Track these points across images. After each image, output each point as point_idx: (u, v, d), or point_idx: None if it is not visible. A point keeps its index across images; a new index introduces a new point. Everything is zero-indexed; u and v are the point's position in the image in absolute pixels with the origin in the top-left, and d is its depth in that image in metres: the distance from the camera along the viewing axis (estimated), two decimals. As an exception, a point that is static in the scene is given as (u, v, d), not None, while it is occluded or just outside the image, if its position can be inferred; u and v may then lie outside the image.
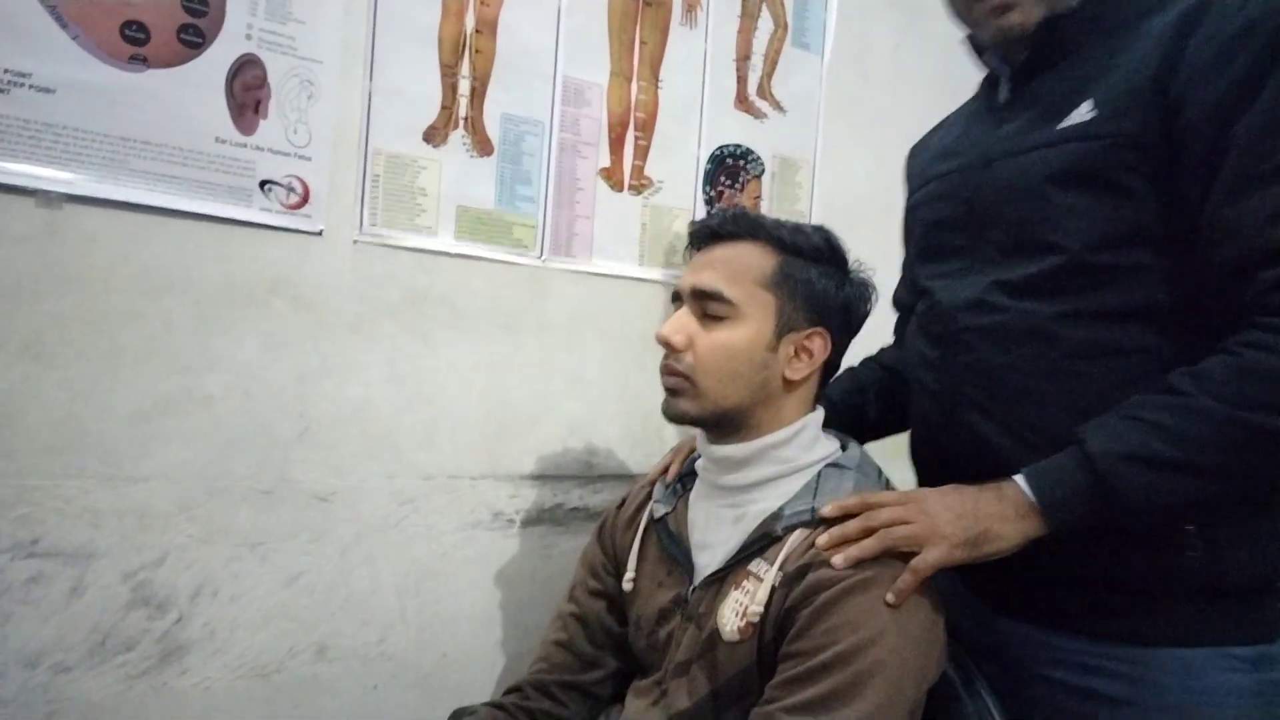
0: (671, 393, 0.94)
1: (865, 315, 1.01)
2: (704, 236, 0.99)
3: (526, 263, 1.30)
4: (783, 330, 0.93)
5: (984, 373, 0.90)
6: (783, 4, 1.56)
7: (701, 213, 1.49)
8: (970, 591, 0.97)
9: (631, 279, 1.40)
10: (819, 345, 0.95)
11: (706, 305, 0.93)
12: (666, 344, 0.94)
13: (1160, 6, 0.86)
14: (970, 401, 0.91)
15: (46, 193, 0.97)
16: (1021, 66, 0.95)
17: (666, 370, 0.95)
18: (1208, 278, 0.80)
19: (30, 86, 0.95)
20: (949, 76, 1.76)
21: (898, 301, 1.20)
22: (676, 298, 0.98)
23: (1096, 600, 0.86)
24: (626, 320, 1.39)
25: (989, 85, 1.04)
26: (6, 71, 0.94)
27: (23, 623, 0.99)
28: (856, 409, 1.15)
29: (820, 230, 0.99)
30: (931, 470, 0.99)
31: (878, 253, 1.64)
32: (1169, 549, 0.82)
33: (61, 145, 0.97)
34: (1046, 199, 0.86)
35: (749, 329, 0.92)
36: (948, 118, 1.16)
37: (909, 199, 1.13)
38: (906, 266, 1.17)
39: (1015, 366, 0.88)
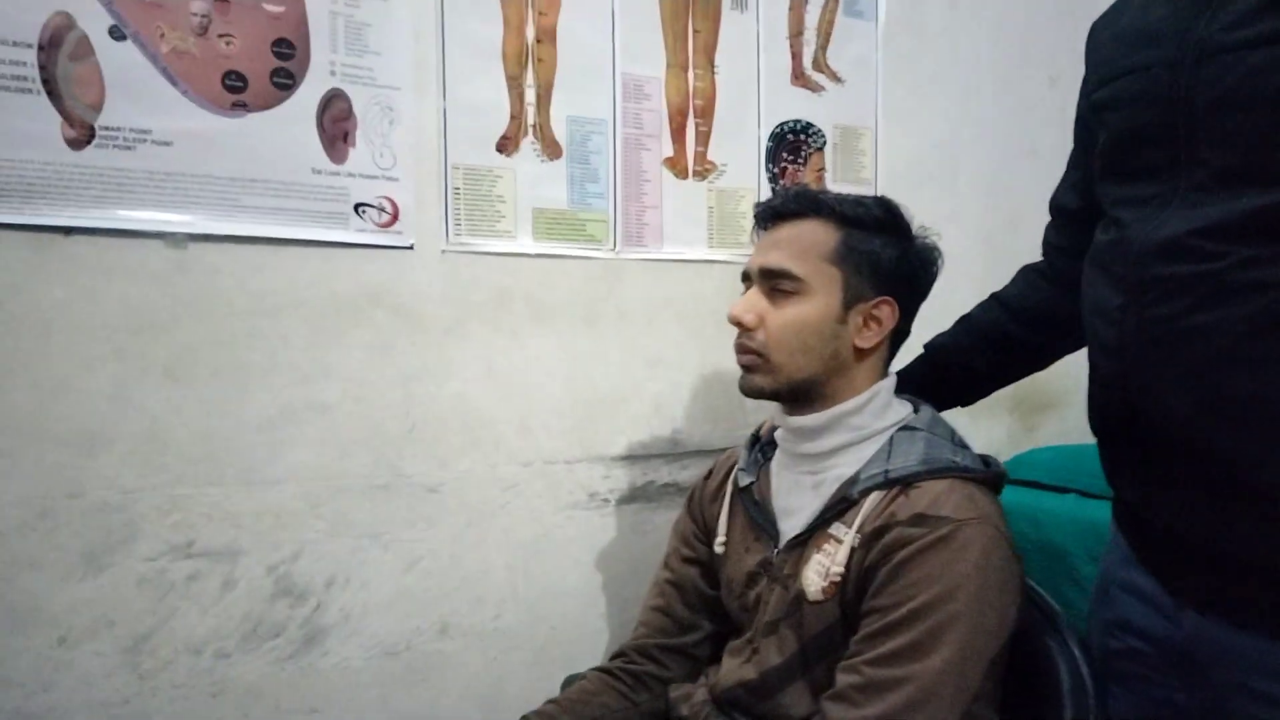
0: (747, 369, 1.00)
1: (933, 279, 1.05)
2: (768, 217, 1.03)
3: (601, 256, 1.38)
4: (850, 302, 0.97)
5: (1177, 333, 0.74)
6: (832, -24, 1.58)
7: (766, 192, 1.53)
8: (1151, 576, 0.86)
9: (703, 261, 1.46)
10: (887, 313, 0.99)
11: (775, 283, 0.98)
12: (738, 323, 0.99)
13: None
14: (1155, 365, 0.77)
15: (173, 235, 1.08)
16: None
17: (740, 349, 1.00)
18: None
19: (151, 141, 1.07)
20: (1011, 17, 1.76)
21: (1055, 206, 1.07)
22: (746, 278, 1.03)
23: None
24: (701, 301, 1.45)
25: None
26: (132, 130, 1.06)
27: (186, 616, 1.12)
28: (957, 363, 1.13)
29: (881, 201, 1.02)
30: (1106, 436, 0.88)
31: (943, 213, 1.67)
32: None
33: (182, 191, 1.08)
34: None
35: (817, 303, 0.97)
36: None
37: (1091, 86, 0.92)
38: (1073, 164, 1.03)
39: (1220, 328, 0.72)
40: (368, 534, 1.22)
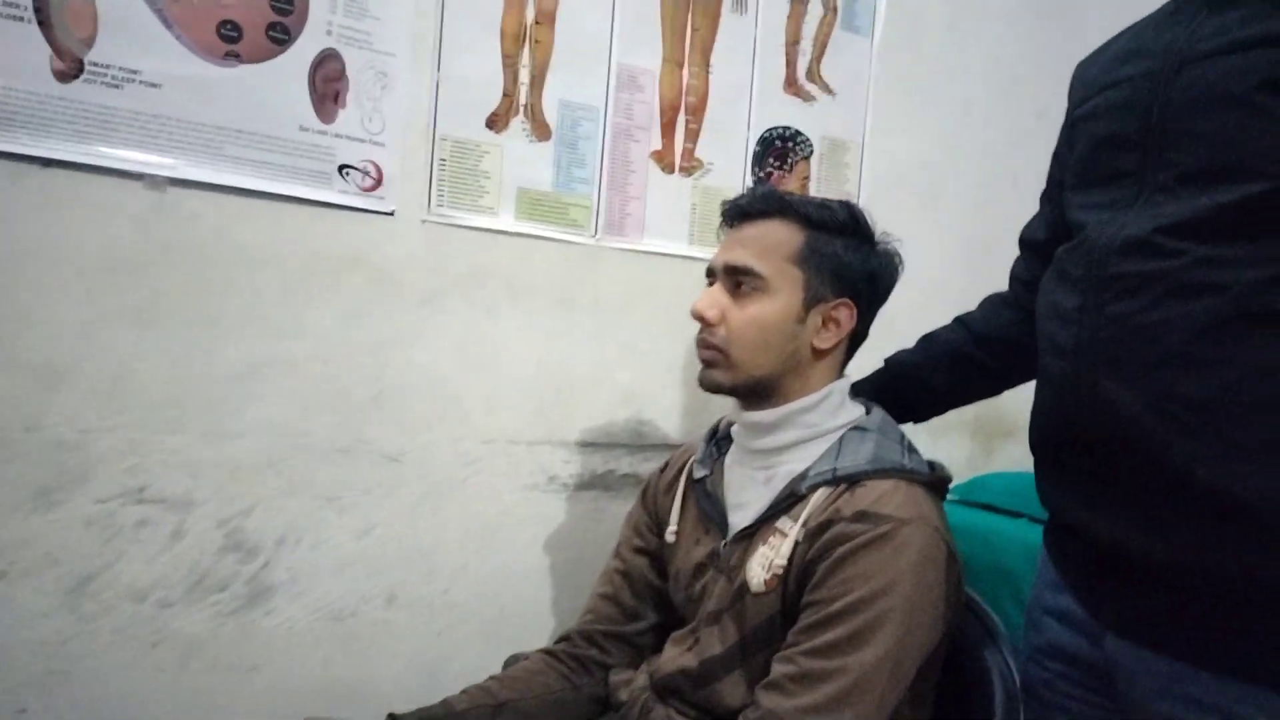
0: (707, 364, 1.02)
1: (891, 285, 1.07)
2: (735, 215, 1.05)
3: (582, 241, 1.38)
4: (811, 302, 0.99)
5: (1133, 329, 0.75)
6: (833, -11, 1.60)
7: (750, 193, 1.54)
8: (1076, 599, 0.87)
9: (682, 257, 1.47)
10: (846, 315, 1.01)
11: (738, 280, 1.00)
12: (701, 318, 1.01)
13: None
14: (1110, 363, 0.77)
15: (153, 176, 1.08)
16: None
17: (702, 343, 1.01)
18: None
19: (140, 82, 1.06)
20: (1005, 49, 1.79)
21: (1023, 239, 1.10)
22: (710, 273, 1.05)
23: (1256, 631, 0.71)
24: (677, 296, 1.46)
25: None
26: (122, 69, 1.05)
27: (132, 562, 1.11)
28: (915, 378, 1.14)
29: (846, 205, 1.04)
30: (1050, 447, 0.87)
31: (923, 232, 1.70)
32: None
33: (166, 134, 1.08)
34: (1256, 109, 0.71)
35: (779, 302, 0.99)
36: (1137, 22, 0.94)
37: (1071, 114, 0.96)
38: (1046, 196, 1.05)
39: (1174, 325, 0.73)
40: (324, 496, 1.21)
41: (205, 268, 1.12)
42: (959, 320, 1.17)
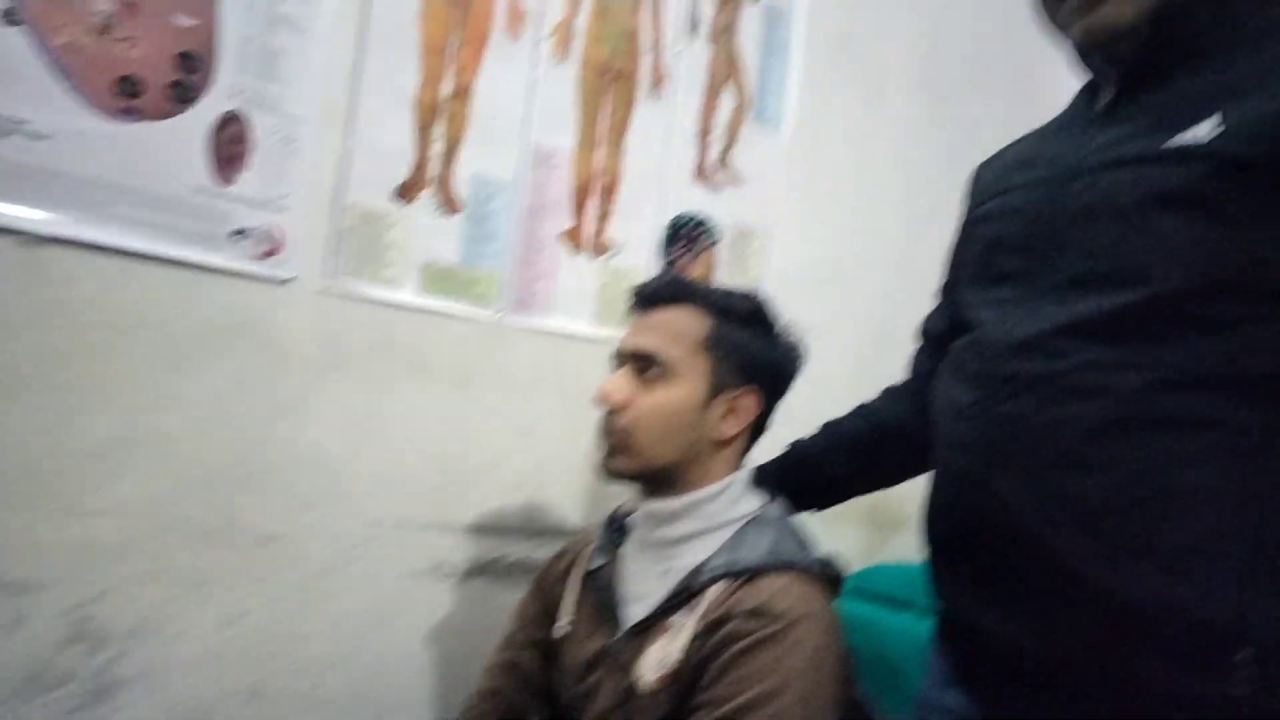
0: (610, 450, 1.00)
1: (794, 375, 1.08)
2: (643, 300, 1.05)
3: (486, 318, 1.35)
4: (715, 390, 0.99)
5: (1025, 429, 0.77)
6: (745, 84, 1.64)
7: (658, 276, 1.55)
8: (965, 695, 0.88)
9: (587, 338, 1.46)
10: (749, 405, 1.02)
11: (644, 366, 0.99)
12: (606, 402, 1.00)
13: None
14: (1003, 462, 0.78)
15: (27, 233, 1.00)
16: (1129, 70, 0.81)
17: (605, 429, 1.00)
18: None
19: (25, 133, 0.99)
20: (906, 148, 1.87)
21: (923, 330, 1.12)
22: (617, 357, 1.04)
23: None
24: (581, 378, 1.44)
25: (1088, 91, 0.89)
26: (7, 117, 0.98)
27: (-38, 651, 1.00)
28: (816, 465, 1.14)
29: (752, 295, 1.06)
30: (943, 541, 0.87)
31: (828, 322, 1.73)
32: (1210, 678, 0.68)
33: (48, 188, 1.00)
34: (1142, 223, 0.73)
35: (683, 389, 0.98)
36: (1031, 132, 0.99)
37: (968, 214, 1.00)
38: (945, 289, 1.07)
39: (1065, 425, 0.74)
40: (189, 581, 1.12)
41: (78, 332, 1.04)
42: (860, 409, 1.18)
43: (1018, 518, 0.76)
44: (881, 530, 1.84)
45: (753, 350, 1.02)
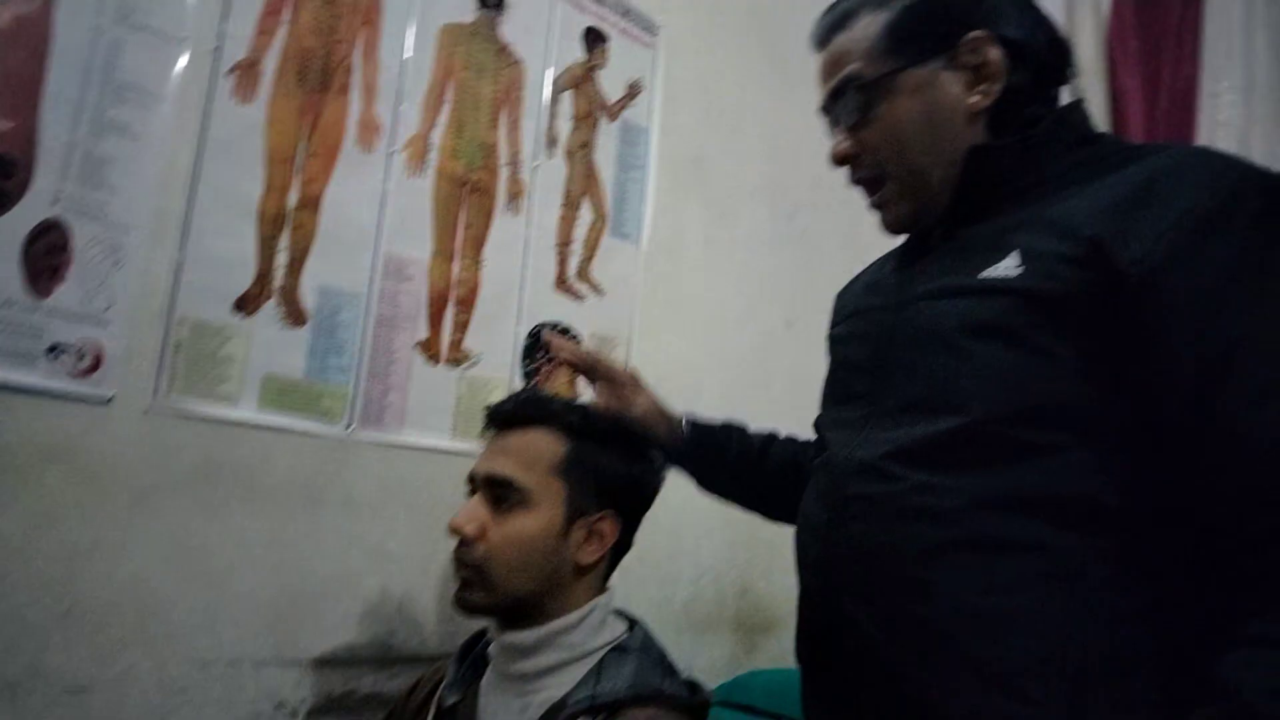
0: (463, 584, 0.95)
1: (655, 492, 1.07)
2: (498, 421, 1.02)
3: (333, 434, 1.29)
4: (573, 516, 0.97)
5: (868, 551, 0.79)
6: (602, 198, 1.68)
7: (519, 386, 1.53)
8: None
9: (443, 451, 1.41)
10: (609, 528, 0.99)
11: (498, 493, 0.96)
12: (458, 534, 0.95)
13: (1112, 164, 0.78)
14: (851, 583, 0.80)
15: None
16: (948, 210, 0.87)
17: (458, 561, 0.95)
18: (1204, 491, 0.69)
19: None
20: (756, 262, 1.94)
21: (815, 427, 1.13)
22: (471, 481, 1.00)
23: None
24: (436, 493, 1.38)
25: None
26: None
27: None
28: (716, 445, 1.13)
29: (610, 413, 1.05)
30: (807, 659, 0.87)
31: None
32: None
33: None
34: (958, 351, 0.78)
35: (540, 517, 0.95)
36: (889, 251, 1.04)
37: (829, 333, 1.04)
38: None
39: (900, 547, 0.76)
40: (-23, 743, 0.99)
41: None
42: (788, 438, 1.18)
43: (867, 640, 0.77)
44: (750, 636, 1.83)
45: (611, 472, 1.00)
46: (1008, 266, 0.77)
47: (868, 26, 0.86)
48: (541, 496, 0.96)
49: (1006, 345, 0.75)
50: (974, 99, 0.83)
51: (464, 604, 0.95)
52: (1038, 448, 0.73)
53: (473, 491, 1.00)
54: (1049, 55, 0.86)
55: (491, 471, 0.97)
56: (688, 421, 1.15)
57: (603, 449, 1.00)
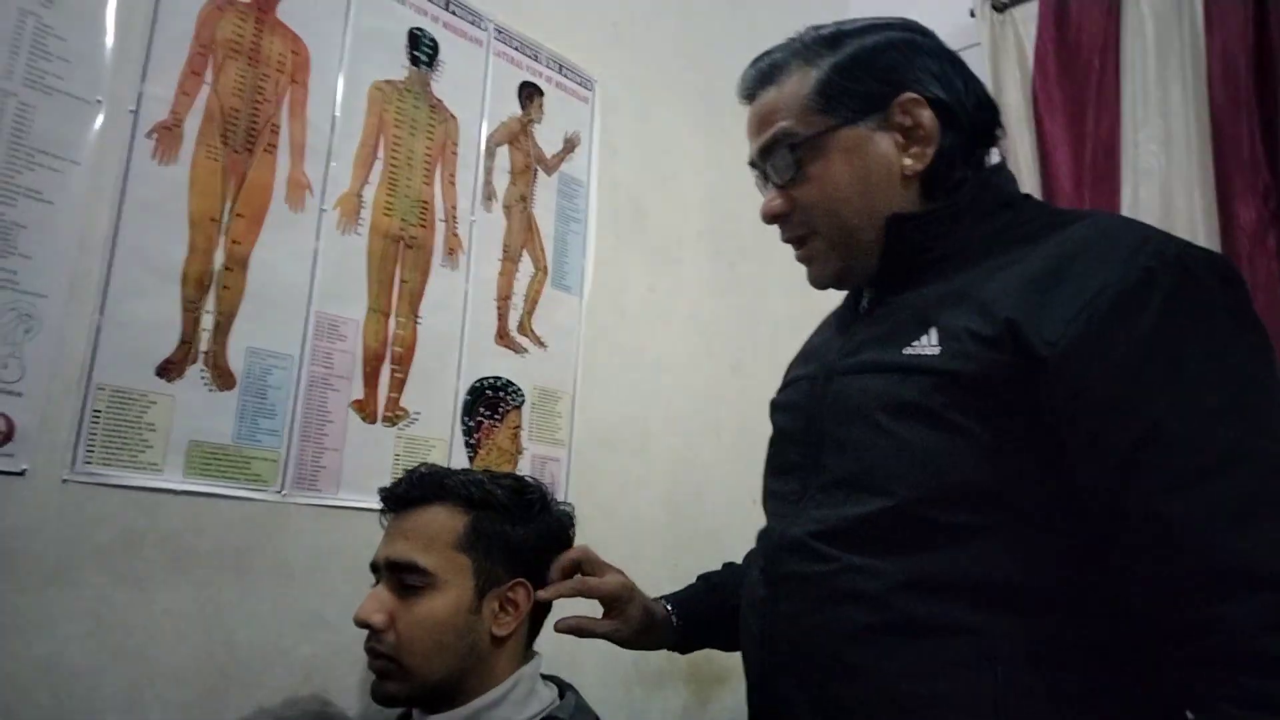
0: (379, 676, 0.92)
1: (566, 545, 1.04)
2: (393, 503, 1.00)
3: (265, 498, 1.25)
4: (484, 589, 0.94)
5: (799, 631, 0.79)
6: (542, 250, 1.67)
7: (459, 442, 1.51)
8: None
9: (381, 511, 1.37)
10: (523, 595, 0.97)
11: (403, 577, 0.93)
12: (365, 625, 0.92)
13: (1030, 234, 0.77)
14: (785, 663, 0.80)
15: None
16: (875, 278, 0.87)
17: (370, 653, 0.93)
18: (1126, 577, 0.68)
19: None
20: (700, 309, 1.95)
21: None
22: (375, 569, 0.97)
23: None
24: (372, 555, 1.35)
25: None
26: None
27: None
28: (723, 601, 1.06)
29: (508, 477, 1.03)
30: None
31: (634, 480, 1.73)
32: None
33: None
34: (879, 430, 0.77)
35: (449, 596, 0.93)
36: (832, 312, 1.03)
37: (772, 400, 1.02)
38: None
39: (829, 628, 0.76)
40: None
41: None
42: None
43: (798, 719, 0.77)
44: (703, 688, 1.79)
45: (516, 538, 0.98)
46: (927, 344, 0.76)
47: (799, 83, 0.85)
48: (447, 575, 0.93)
49: (927, 426, 0.74)
50: (908, 162, 0.83)
51: (382, 697, 0.92)
52: (962, 530, 0.72)
53: (377, 579, 0.97)
54: (978, 116, 0.86)
55: (391, 556, 0.95)
56: (671, 608, 1.09)
57: (505, 515, 0.98)
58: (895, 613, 0.72)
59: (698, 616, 1.07)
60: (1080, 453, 0.69)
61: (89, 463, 1.10)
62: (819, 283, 0.90)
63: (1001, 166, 0.88)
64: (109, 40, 1.14)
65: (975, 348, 0.73)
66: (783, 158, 0.85)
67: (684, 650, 1.11)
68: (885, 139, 0.83)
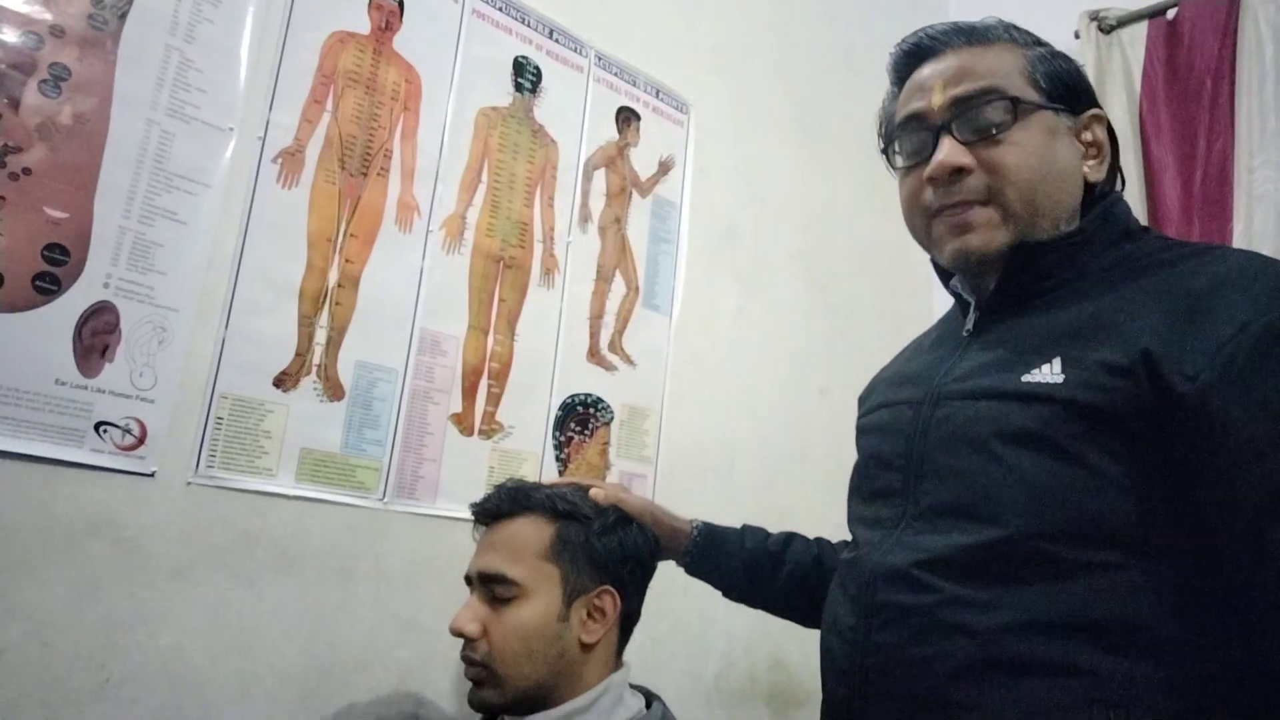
0: (475, 684, 0.96)
1: (650, 562, 1.07)
2: (483, 517, 1.04)
3: (367, 505, 1.31)
4: (571, 597, 0.97)
5: (896, 663, 0.76)
6: (635, 270, 1.71)
7: (550, 457, 1.54)
8: None
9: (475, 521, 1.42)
10: (610, 603, 0.99)
11: (494, 589, 0.97)
12: (460, 635, 0.96)
13: (1159, 263, 0.77)
14: (877, 695, 0.77)
15: None
16: (988, 300, 0.85)
17: (466, 661, 0.96)
18: (1255, 626, 0.65)
19: None
20: (789, 332, 1.95)
21: None
22: (469, 581, 1.01)
23: None
24: (468, 563, 1.39)
25: (960, 308, 0.92)
26: None
27: None
28: (732, 545, 1.11)
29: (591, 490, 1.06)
30: None
31: (719, 501, 1.74)
32: None
33: (-117, 385, 0.96)
34: (994, 458, 0.74)
35: (538, 605, 0.96)
36: (921, 335, 1.02)
37: (858, 422, 1.01)
38: None
39: (931, 662, 0.73)
40: (13, 815, 1.00)
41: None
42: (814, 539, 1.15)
43: None
44: (784, 709, 1.79)
45: (601, 547, 1.00)
46: (1049, 373, 0.74)
47: (1012, 54, 0.84)
48: (536, 584, 0.96)
49: (1046, 456, 0.72)
50: (1090, 165, 0.84)
51: (478, 704, 0.97)
52: (1081, 566, 0.70)
53: (472, 590, 1.01)
54: (1114, 149, 0.87)
55: (483, 568, 0.99)
56: (699, 524, 1.14)
57: (589, 526, 1.01)
58: (1003, 649, 0.70)
59: (715, 550, 1.10)
60: (1214, 494, 0.67)
61: (211, 466, 1.17)
62: (970, 254, 0.83)
63: (1120, 197, 0.86)
64: (242, 72, 1.23)
65: (1106, 378, 0.71)
66: (988, 112, 0.81)
67: (689, 570, 1.13)
68: (1073, 141, 0.84)
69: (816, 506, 1.80)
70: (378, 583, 1.31)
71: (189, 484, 1.16)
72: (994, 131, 0.81)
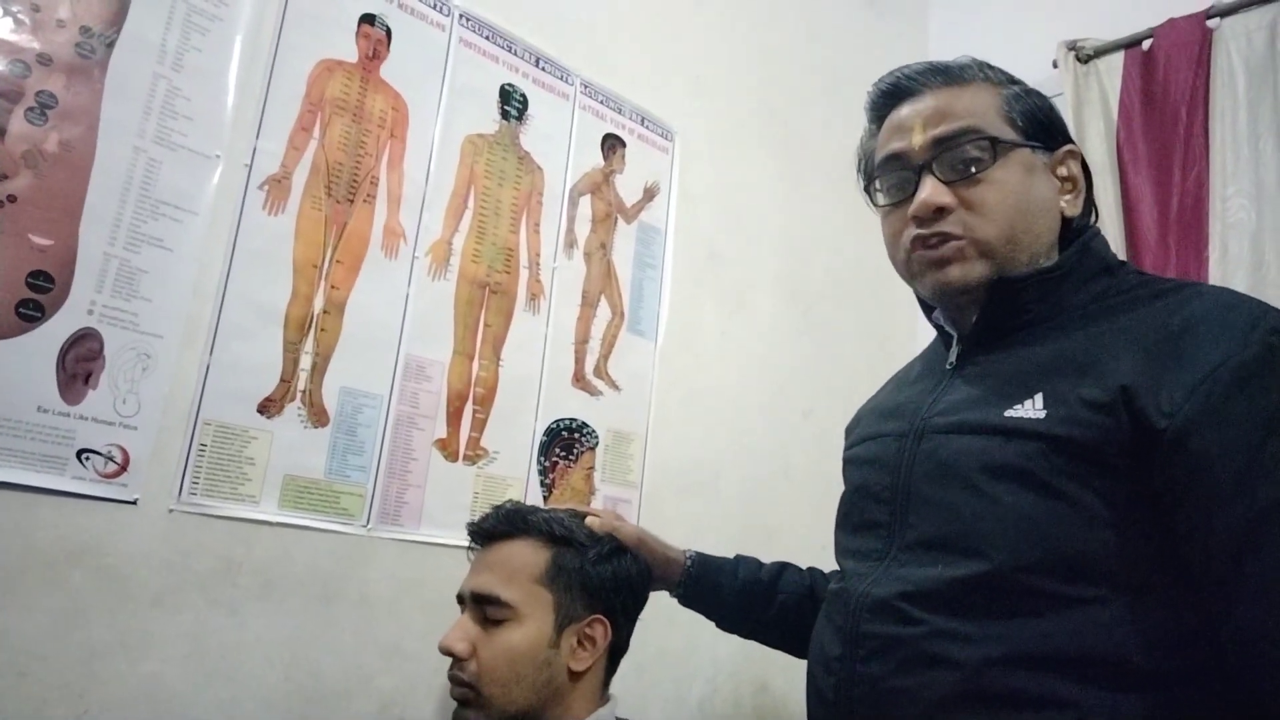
0: (460, 703, 0.96)
1: (642, 592, 1.07)
2: (479, 537, 1.04)
3: (351, 531, 1.31)
4: (563, 624, 0.97)
5: (880, 693, 0.77)
6: (620, 296, 1.72)
7: (535, 482, 1.55)
8: None
9: (460, 547, 1.41)
10: (600, 632, 0.99)
11: (486, 609, 0.97)
12: (449, 653, 0.96)
13: (1136, 299, 0.78)
14: None
15: None
16: (970, 334, 0.87)
17: (453, 680, 0.96)
18: (1237, 657, 0.67)
19: None
20: (773, 354, 1.96)
21: None
22: (460, 600, 1.01)
23: None
24: (452, 589, 1.37)
25: (943, 341, 0.94)
26: None
27: None
28: (724, 574, 1.11)
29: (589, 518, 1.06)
30: None
31: (704, 523, 1.74)
32: None
33: None
34: (978, 492, 0.76)
35: (529, 628, 0.96)
36: (906, 367, 1.04)
37: (844, 453, 1.02)
38: None
39: (914, 695, 0.74)
40: None
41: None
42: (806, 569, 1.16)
43: None
44: (769, 737, 1.79)
45: (596, 575, 1.01)
46: (1031, 408, 0.75)
47: (988, 93, 0.86)
48: (529, 608, 0.97)
49: (1029, 490, 0.73)
50: (1065, 201, 0.86)
51: None
52: (1065, 599, 0.71)
53: (463, 609, 1.01)
54: (1088, 183, 0.89)
55: (476, 588, 0.99)
56: (692, 555, 1.14)
57: (584, 552, 1.01)
58: (987, 681, 0.71)
59: (709, 581, 1.10)
60: (1192, 527, 0.69)
61: (194, 494, 1.17)
62: (949, 285, 0.84)
63: (1098, 231, 0.88)
64: (230, 99, 1.24)
65: (1087, 414, 0.72)
66: (966, 152, 0.83)
67: (682, 601, 1.14)
68: (1050, 177, 0.86)
69: (801, 527, 1.81)
70: (361, 609, 1.30)
71: (171, 511, 1.15)
72: (974, 170, 0.83)
